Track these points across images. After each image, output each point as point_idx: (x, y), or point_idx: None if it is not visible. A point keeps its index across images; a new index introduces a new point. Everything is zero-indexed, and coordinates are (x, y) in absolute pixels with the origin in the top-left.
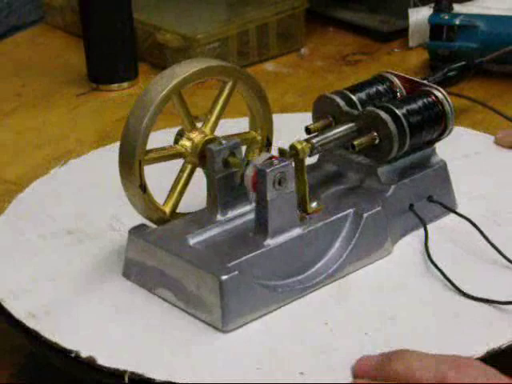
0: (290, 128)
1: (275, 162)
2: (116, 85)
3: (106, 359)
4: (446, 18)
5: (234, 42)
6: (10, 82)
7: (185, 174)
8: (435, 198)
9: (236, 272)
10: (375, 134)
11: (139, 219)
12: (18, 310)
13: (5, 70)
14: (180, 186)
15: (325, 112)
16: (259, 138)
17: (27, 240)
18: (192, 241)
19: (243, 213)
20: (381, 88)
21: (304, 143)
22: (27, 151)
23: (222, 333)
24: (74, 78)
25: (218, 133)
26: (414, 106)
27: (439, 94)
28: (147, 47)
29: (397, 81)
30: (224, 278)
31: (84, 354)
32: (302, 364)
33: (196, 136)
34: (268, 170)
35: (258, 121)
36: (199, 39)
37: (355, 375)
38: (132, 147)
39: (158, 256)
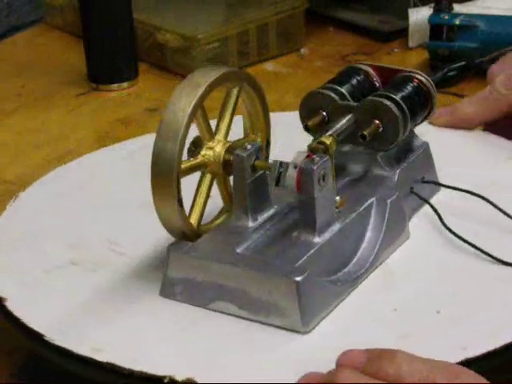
0: (281, 126)
1: (316, 159)
2: (116, 85)
3: (202, 378)
4: (446, 17)
5: (233, 41)
6: (10, 82)
7: (206, 185)
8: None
9: (307, 272)
10: (377, 122)
11: (134, 239)
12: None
13: (5, 70)
14: (203, 198)
15: (316, 108)
16: (259, 140)
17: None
18: (238, 249)
19: (270, 216)
20: (359, 79)
21: (330, 138)
22: (27, 151)
23: (301, 334)
24: (74, 78)
25: None
26: (405, 91)
27: (421, 78)
28: (147, 47)
29: (371, 70)
30: (299, 278)
31: (179, 377)
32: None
33: (216, 144)
34: (314, 168)
35: (259, 124)
36: (199, 39)
37: (336, 365)
38: (169, 161)
39: (212, 269)
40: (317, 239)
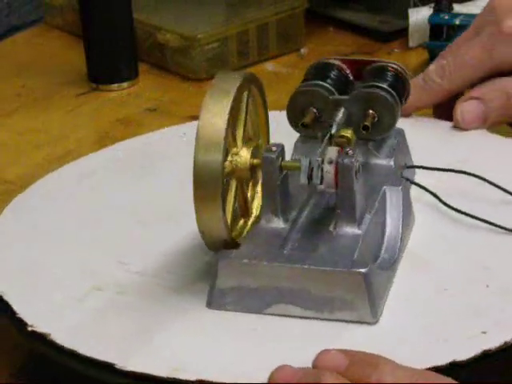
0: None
1: (349, 152)
2: (116, 85)
3: None
4: (446, 17)
5: (233, 41)
6: (10, 82)
7: (234, 192)
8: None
9: (369, 263)
10: (372, 112)
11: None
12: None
13: (5, 70)
14: (232, 205)
15: (305, 107)
16: (260, 142)
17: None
18: (285, 250)
19: (297, 214)
20: (335, 73)
21: (349, 131)
22: (27, 151)
23: (370, 325)
24: (74, 78)
25: None
26: (388, 80)
27: (394, 65)
28: (147, 47)
29: (341, 64)
30: (364, 270)
31: None
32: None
33: (241, 149)
34: (353, 161)
35: (261, 127)
36: (199, 39)
37: (313, 366)
38: (214, 172)
39: (266, 273)
40: (357, 231)
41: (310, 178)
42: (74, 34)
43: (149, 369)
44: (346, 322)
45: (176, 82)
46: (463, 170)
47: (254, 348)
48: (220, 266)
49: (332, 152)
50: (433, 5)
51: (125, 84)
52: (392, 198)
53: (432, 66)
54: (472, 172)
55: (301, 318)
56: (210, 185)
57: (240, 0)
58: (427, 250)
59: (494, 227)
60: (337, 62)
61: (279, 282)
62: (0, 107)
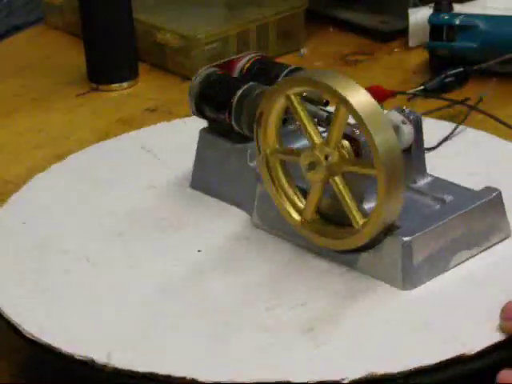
0: None
1: (405, 109)
2: (116, 85)
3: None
4: (446, 17)
5: (233, 41)
6: (10, 82)
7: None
8: None
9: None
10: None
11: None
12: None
13: (5, 70)
14: (311, 193)
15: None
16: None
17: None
18: (427, 212)
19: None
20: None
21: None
22: (27, 151)
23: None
24: (74, 78)
25: None
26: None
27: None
28: (147, 47)
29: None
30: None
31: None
32: None
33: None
34: (419, 115)
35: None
36: (199, 39)
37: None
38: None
39: (442, 233)
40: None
41: None
42: (74, 34)
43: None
44: None
45: (176, 82)
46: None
47: None
48: (413, 245)
49: (394, 115)
50: (433, 5)
51: (125, 84)
52: None
53: None
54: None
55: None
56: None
57: (240, 0)
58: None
59: None
60: (219, 71)
61: (451, 234)
62: (0, 107)
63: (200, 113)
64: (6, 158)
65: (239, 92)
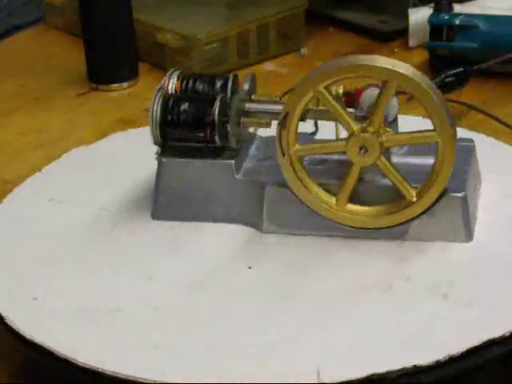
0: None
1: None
2: (116, 85)
3: None
4: (446, 17)
5: (233, 41)
6: (10, 82)
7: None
8: None
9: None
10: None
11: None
12: None
13: (5, 70)
14: (345, 182)
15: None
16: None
17: None
18: None
19: None
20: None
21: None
22: (27, 151)
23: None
24: (74, 78)
25: None
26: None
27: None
28: (147, 47)
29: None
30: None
31: None
32: None
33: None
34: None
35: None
36: (199, 39)
37: None
38: None
39: None
40: None
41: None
42: (74, 34)
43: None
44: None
45: None
46: None
47: None
48: (468, 198)
49: (374, 91)
50: (433, 5)
51: (125, 84)
52: None
53: None
54: None
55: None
56: None
57: (240, 0)
58: None
59: None
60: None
61: (473, 181)
62: (0, 107)
63: (165, 139)
64: (5, 158)
65: (216, 106)
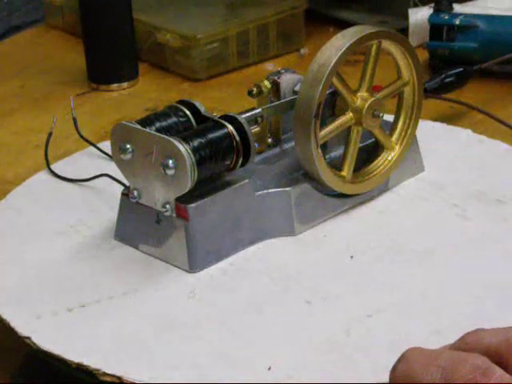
0: None
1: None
2: (116, 85)
3: None
4: (446, 18)
5: (233, 41)
6: (10, 82)
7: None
8: None
9: None
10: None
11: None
12: None
13: (5, 70)
14: (351, 150)
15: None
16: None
17: None
18: None
19: None
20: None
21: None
22: (27, 151)
23: None
24: (74, 78)
25: None
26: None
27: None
28: (147, 47)
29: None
30: None
31: None
32: None
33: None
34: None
35: (405, 74)
36: (199, 39)
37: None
38: (310, 105)
39: None
40: None
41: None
42: (74, 34)
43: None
44: None
45: (176, 82)
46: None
47: None
48: None
49: (297, 76)
50: (433, 5)
51: (125, 84)
52: None
53: None
54: None
55: None
56: (305, 118)
57: (240, 0)
58: None
59: None
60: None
61: None
62: (0, 107)
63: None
64: (5, 157)
65: (233, 130)
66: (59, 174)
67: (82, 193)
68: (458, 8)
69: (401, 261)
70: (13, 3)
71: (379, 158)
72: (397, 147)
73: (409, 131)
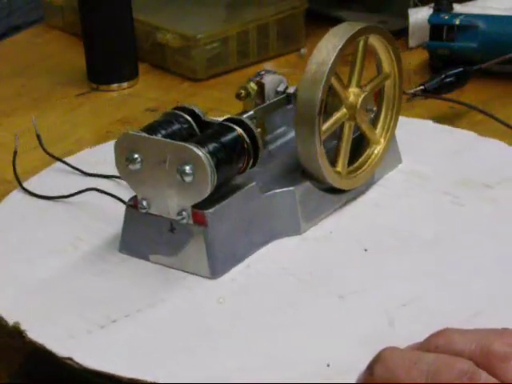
0: None
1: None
2: (116, 85)
3: None
4: (446, 18)
5: (233, 41)
6: (10, 82)
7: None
8: None
9: None
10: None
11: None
12: None
13: (5, 70)
14: (345, 145)
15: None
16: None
17: None
18: None
19: None
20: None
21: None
22: (27, 151)
23: None
24: (74, 78)
25: None
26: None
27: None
28: (147, 47)
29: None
30: None
31: None
32: None
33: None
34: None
35: (392, 68)
36: (199, 39)
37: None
38: (312, 106)
39: None
40: None
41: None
42: (74, 34)
43: None
44: None
45: (176, 82)
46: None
47: None
48: None
49: (278, 77)
50: (433, 5)
51: (125, 84)
52: None
53: None
54: None
55: None
56: (308, 119)
57: (240, 0)
58: None
59: None
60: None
61: None
62: (0, 107)
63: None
64: (6, 158)
65: (242, 132)
66: (32, 191)
67: (67, 209)
68: (458, 8)
69: (413, 249)
70: (13, 3)
71: (367, 152)
72: (382, 140)
73: (391, 124)
